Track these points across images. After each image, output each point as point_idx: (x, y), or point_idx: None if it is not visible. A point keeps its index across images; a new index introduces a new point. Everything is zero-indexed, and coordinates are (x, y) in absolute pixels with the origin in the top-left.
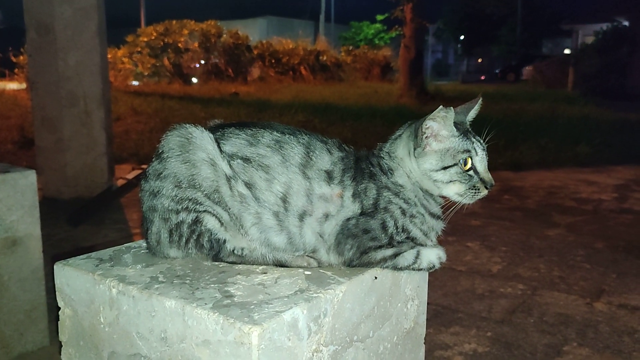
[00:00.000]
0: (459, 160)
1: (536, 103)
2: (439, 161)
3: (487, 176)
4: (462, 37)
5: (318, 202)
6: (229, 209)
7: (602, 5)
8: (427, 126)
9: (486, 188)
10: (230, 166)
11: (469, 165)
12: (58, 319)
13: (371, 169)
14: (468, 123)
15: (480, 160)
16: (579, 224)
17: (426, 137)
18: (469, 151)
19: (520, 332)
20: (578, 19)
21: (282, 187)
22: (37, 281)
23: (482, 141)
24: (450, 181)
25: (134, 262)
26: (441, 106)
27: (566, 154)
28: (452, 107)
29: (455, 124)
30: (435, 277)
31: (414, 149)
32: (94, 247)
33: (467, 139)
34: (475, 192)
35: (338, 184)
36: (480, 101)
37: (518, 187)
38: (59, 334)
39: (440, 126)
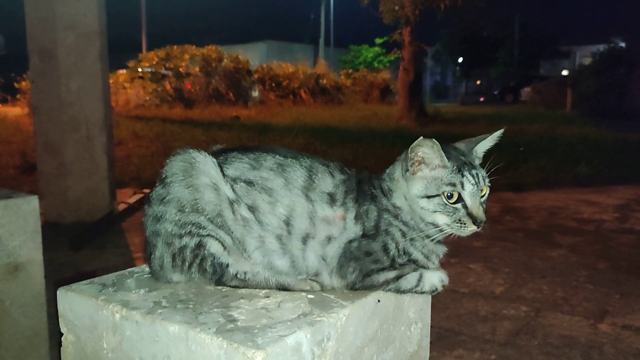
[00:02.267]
0: (443, 192)
1: (535, 124)
2: (424, 189)
3: (477, 212)
4: (460, 60)
5: (321, 225)
6: (232, 232)
7: (599, 27)
8: (414, 151)
9: (475, 224)
10: (234, 190)
11: (455, 199)
12: (60, 345)
13: (373, 191)
14: (476, 154)
15: (470, 195)
16: (581, 245)
17: (416, 160)
18: (454, 185)
19: (524, 355)
20: (575, 40)
21: (285, 210)
22: (38, 307)
23: (479, 176)
24: (435, 211)
25: (137, 286)
26: (421, 137)
27: (566, 174)
28: (434, 139)
29: (452, 155)
30: (438, 299)
31: (405, 171)
32: (96, 271)
33: (458, 172)
34: (461, 226)
35: (341, 206)
36: (498, 134)
37: (519, 208)
38: None
39: (430, 152)
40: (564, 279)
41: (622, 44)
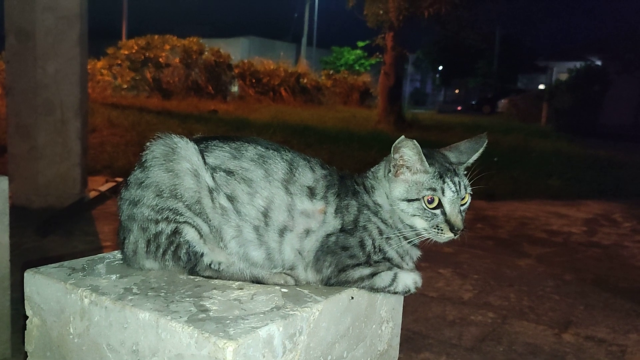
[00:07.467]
0: (423, 197)
1: (510, 135)
2: (405, 192)
3: (456, 220)
4: (440, 68)
5: (299, 218)
6: (210, 220)
7: (577, 45)
8: (396, 151)
9: (452, 231)
10: (213, 178)
11: (434, 204)
12: (24, 329)
13: (355, 187)
14: (461, 162)
15: (450, 202)
16: (549, 256)
17: (399, 163)
18: (434, 190)
19: None
20: (553, 56)
21: (264, 201)
22: (2, 290)
23: (461, 184)
24: (414, 215)
25: (107, 272)
26: (402, 137)
27: (538, 186)
28: (415, 141)
29: (437, 160)
30: (407, 302)
31: (388, 172)
32: (63, 257)
33: (440, 178)
34: (438, 232)
35: (321, 200)
36: (483, 145)
37: (491, 216)
38: (25, 344)
39: (411, 154)
40: (531, 288)
41: (599, 63)
